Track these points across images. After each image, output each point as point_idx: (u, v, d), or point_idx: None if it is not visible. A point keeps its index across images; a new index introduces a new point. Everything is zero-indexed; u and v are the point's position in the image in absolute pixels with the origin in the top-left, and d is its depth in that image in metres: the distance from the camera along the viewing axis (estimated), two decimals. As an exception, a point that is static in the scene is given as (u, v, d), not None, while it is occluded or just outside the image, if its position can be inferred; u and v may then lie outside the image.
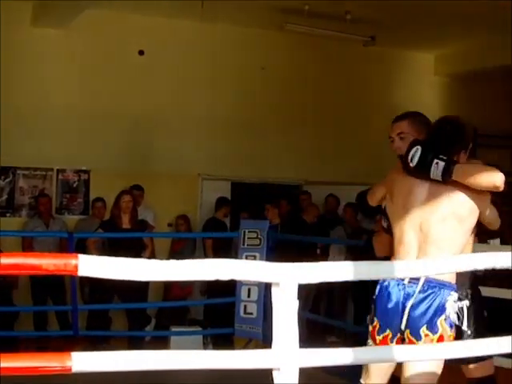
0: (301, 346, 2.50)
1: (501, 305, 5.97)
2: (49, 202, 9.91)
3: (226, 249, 9.28)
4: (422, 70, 12.62)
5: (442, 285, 3.63)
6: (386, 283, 3.71)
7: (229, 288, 8.12)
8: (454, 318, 3.67)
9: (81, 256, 2.32)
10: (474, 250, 3.89)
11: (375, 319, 3.77)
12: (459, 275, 3.71)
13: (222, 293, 8.50)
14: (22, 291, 9.31)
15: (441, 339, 3.59)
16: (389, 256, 3.88)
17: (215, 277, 2.46)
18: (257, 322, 8.22)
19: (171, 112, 10.75)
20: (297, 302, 2.49)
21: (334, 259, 9.55)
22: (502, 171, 3.56)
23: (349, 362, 2.64)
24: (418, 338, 3.61)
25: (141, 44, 10.65)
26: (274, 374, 2.49)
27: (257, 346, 7.92)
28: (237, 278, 2.62)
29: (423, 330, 3.60)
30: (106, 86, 10.41)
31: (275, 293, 2.51)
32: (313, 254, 9.59)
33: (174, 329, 9.09)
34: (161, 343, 8.86)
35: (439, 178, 3.66)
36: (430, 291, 3.62)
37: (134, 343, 8.59)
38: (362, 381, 3.86)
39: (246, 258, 8.16)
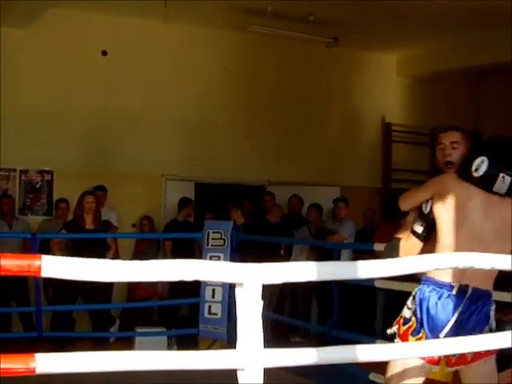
0: (265, 346, 2.51)
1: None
2: (12, 202, 9.83)
3: (187, 251, 9.21)
4: (384, 71, 12.68)
5: (487, 294, 3.71)
6: (431, 288, 3.73)
7: (194, 289, 8.12)
8: (494, 326, 3.75)
9: (44, 257, 2.31)
10: None
11: (413, 319, 3.77)
12: None
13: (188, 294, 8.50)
14: (-16, 293, 9.22)
15: None
16: None
17: (179, 277, 2.46)
18: (221, 322, 8.23)
19: (134, 112, 10.69)
20: (261, 303, 2.50)
21: (296, 259, 9.58)
22: None
23: (312, 362, 2.66)
24: None
25: (104, 44, 10.59)
26: (239, 374, 2.50)
27: (222, 347, 7.92)
28: (201, 278, 2.62)
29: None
30: (69, 86, 10.34)
31: (239, 293, 2.52)
32: (276, 254, 9.61)
33: (138, 330, 9.07)
34: (125, 344, 8.85)
35: (503, 192, 3.74)
36: (478, 301, 3.69)
37: (99, 344, 8.55)
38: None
39: (211, 259, 8.15)
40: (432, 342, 3.50)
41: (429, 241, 4.00)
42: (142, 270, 2.44)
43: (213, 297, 8.26)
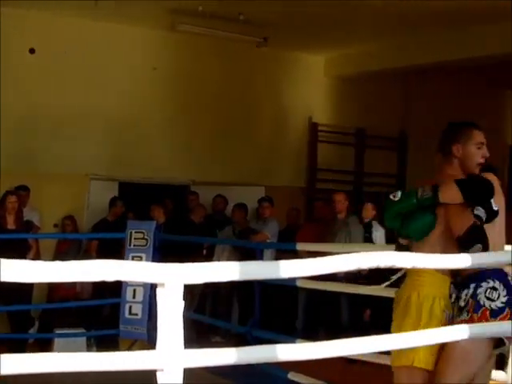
0: (186, 347, 2.51)
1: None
2: None
3: (114, 251, 9.11)
4: (312, 71, 12.78)
5: None
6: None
7: (117, 289, 8.06)
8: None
9: (-38, 257, 2.26)
10: None
11: (507, 310, 3.83)
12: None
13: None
14: None
15: None
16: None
17: (101, 278, 2.44)
18: (142, 322, 8.20)
19: (58, 111, 10.54)
20: (182, 303, 2.50)
21: (218, 259, 9.59)
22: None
23: (232, 361, 2.66)
24: None
25: (33, 42, 10.41)
26: (158, 374, 2.49)
27: (142, 347, 7.88)
28: (121, 278, 2.60)
29: None
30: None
31: (160, 293, 2.51)
32: (199, 254, 9.61)
33: (57, 331, 8.95)
34: (44, 346, 8.74)
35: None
36: None
37: (17, 346, 8.40)
38: None
39: (133, 259, 8.11)
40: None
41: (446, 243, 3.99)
42: (64, 270, 2.41)
43: (134, 297, 8.21)
